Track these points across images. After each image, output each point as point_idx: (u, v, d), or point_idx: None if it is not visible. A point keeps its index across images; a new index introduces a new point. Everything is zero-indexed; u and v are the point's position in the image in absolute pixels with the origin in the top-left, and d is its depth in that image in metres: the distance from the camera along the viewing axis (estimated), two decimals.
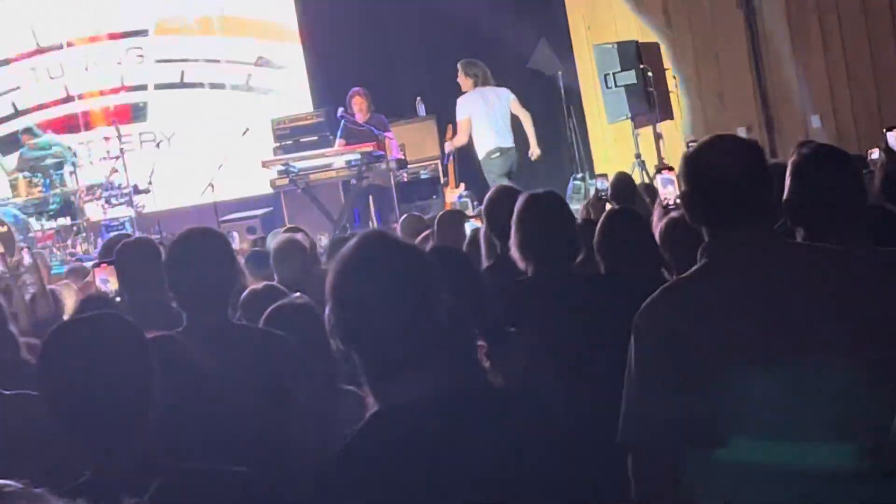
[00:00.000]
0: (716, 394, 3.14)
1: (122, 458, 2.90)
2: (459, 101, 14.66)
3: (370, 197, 15.55)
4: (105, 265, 8.34)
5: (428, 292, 2.79)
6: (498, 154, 14.45)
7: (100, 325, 2.98)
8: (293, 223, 14.98)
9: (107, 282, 8.32)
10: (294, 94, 17.97)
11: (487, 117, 14.50)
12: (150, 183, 16.21)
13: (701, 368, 3.22)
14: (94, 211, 16.56)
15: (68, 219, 16.26)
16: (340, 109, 15.42)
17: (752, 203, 3.37)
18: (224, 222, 15.29)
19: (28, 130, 17.01)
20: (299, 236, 9.11)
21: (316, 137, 16.09)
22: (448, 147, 15.22)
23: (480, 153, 14.59)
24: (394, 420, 2.77)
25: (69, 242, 16.18)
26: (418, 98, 16.70)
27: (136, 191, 16.43)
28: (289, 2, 18.03)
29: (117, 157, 16.46)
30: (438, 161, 16.24)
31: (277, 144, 16.11)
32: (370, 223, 15.36)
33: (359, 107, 15.50)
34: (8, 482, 2.52)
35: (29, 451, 3.81)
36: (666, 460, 3.23)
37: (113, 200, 16.52)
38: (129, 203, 16.31)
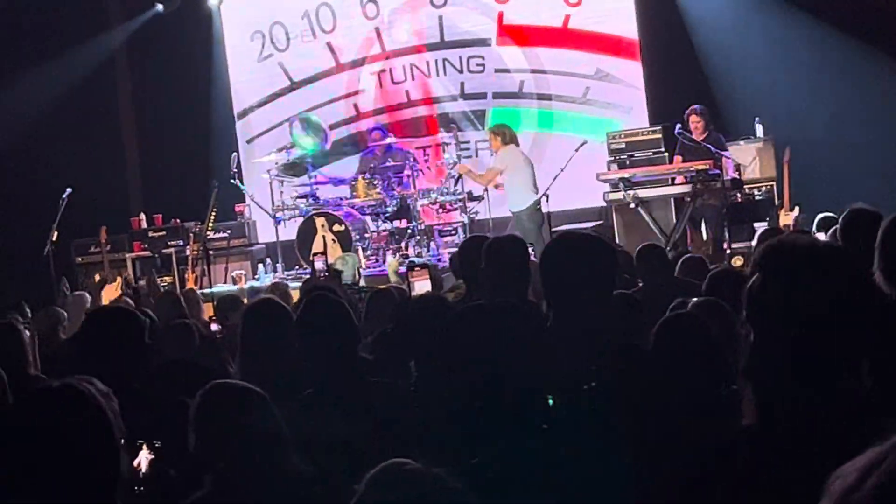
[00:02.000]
0: None
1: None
2: (504, 152, 15.56)
3: (702, 215, 15.44)
4: (418, 269, 8.54)
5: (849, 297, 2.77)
6: (539, 207, 15.27)
7: (503, 314, 3.06)
8: (623, 238, 15.07)
9: (424, 285, 8.52)
10: (631, 109, 17.92)
11: (526, 173, 15.46)
12: (485, 190, 16.44)
13: None
14: (428, 215, 16.90)
15: (404, 221, 16.65)
16: (678, 126, 15.38)
17: None
18: (555, 232, 15.39)
19: (373, 132, 17.48)
20: None
21: (651, 153, 16.04)
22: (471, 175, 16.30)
23: (523, 203, 15.39)
24: None
25: (402, 245, 16.56)
26: (756, 119, 16.47)
27: (471, 197, 16.70)
28: (630, 16, 18.01)
29: (454, 164, 16.77)
30: (773, 183, 15.98)
31: (612, 158, 16.12)
32: (702, 241, 15.27)
33: (696, 125, 15.45)
34: (407, 461, 2.64)
35: (411, 435, 3.93)
36: None
37: (447, 206, 16.83)
38: (463, 209, 16.59)
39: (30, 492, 3.03)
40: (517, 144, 15.66)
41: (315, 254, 14.35)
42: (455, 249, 13.57)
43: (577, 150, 15.74)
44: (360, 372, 5.34)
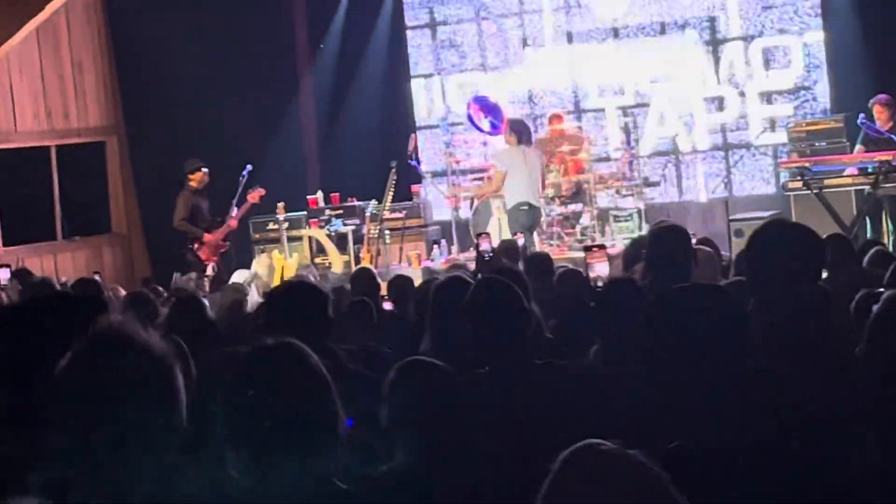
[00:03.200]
0: None
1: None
2: (501, 153, 15.49)
3: (884, 207, 15.13)
4: (596, 250, 8.51)
5: None
6: (526, 207, 15.04)
7: (701, 295, 3.07)
8: None
9: (602, 267, 8.47)
10: (813, 98, 17.58)
11: (523, 173, 15.05)
12: (662, 176, 16.30)
13: None
14: (605, 200, 16.78)
15: (580, 205, 16.57)
16: (861, 116, 15.10)
17: None
18: (733, 220, 15.22)
19: (554, 117, 17.39)
20: None
21: (832, 142, 15.76)
22: (477, 192, 16.36)
23: (510, 203, 15.23)
24: None
25: (577, 229, 16.50)
26: None
27: (647, 183, 16.58)
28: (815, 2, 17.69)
29: (632, 150, 16.69)
30: None
31: (792, 147, 15.90)
32: (882, 234, 14.97)
33: (880, 114, 15.16)
34: (602, 441, 2.62)
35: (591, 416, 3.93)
36: None
37: (623, 191, 16.73)
38: (640, 194, 16.47)
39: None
40: (529, 145, 15.38)
41: (480, 234, 14.37)
42: (631, 236, 13.59)
43: (756, 137, 15.57)
44: (528, 353, 5.27)
